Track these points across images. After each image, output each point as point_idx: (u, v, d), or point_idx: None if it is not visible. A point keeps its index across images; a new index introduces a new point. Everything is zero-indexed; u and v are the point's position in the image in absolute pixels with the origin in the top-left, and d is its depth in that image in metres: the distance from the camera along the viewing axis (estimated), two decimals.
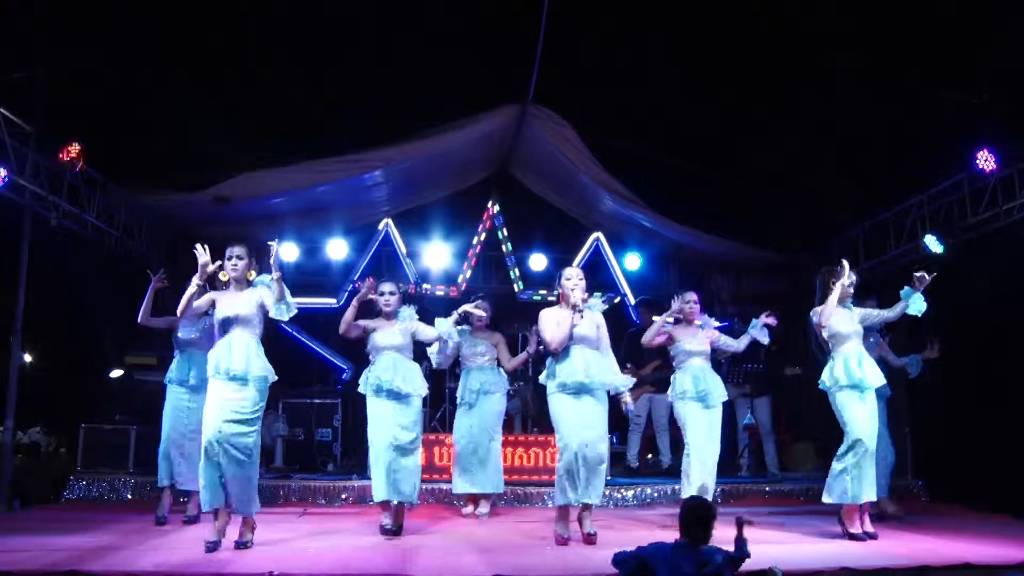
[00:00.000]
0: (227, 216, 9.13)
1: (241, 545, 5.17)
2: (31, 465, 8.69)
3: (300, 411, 9.10)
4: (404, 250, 10.59)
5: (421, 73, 8.10)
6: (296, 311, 5.51)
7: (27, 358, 9.46)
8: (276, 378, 5.49)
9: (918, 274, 5.89)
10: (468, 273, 10.65)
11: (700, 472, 6.33)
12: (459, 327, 6.95)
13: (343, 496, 7.81)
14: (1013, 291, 7.33)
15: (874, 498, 5.86)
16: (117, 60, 7.30)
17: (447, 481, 7.70)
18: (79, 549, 5.03)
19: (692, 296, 6.69)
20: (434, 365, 7.07)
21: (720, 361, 9.34)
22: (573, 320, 5.62)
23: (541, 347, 6.18)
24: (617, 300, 6.00)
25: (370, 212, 10.46)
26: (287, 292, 5.39)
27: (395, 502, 5.86)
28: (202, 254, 5.31)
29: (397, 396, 5.91)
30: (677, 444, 9.61)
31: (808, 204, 9.23)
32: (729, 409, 9.69)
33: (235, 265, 5.46)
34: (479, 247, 10.71)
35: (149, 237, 9.28)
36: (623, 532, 6.14)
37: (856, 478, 5.76)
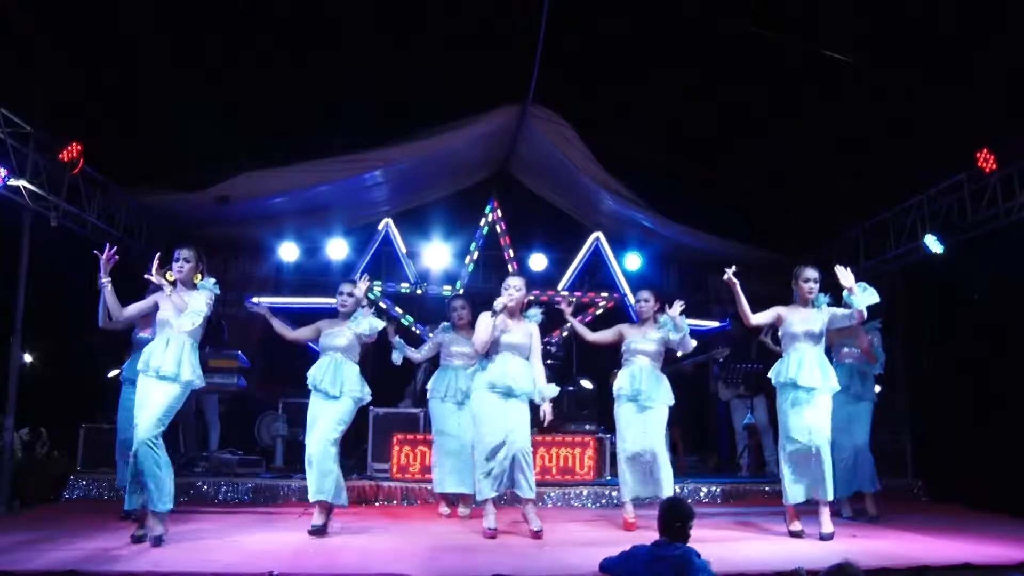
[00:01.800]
0: (227, 216, 9.14)
1: (157, 540, 5.21)
2: (30, 466, 8.68)
3: (300, 411, 9.02)
4: (404, 250, 10.59)
5: (421, 73, 8.10)
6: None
7: (27, 358, 9.45)
8: (203, 384, 5.59)
9: (839, 272, 5.84)
10: (468, 272, 10.66)
11: (632, 474, 6.35)
12: (442, 324, 7.13)
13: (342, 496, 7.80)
14: (1013, 291, 7.33)
15: (826, 498, 5.82)
16: (117, 60, 7.31)
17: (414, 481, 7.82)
18: (79, 549, 5.03)
19: (645, 294, 6.71)
20: (396, 362, 7.17)
21: (718, 361, 9.38)
22: (495, 324, 5.84)
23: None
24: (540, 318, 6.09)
25: (370, 212, 10.47)
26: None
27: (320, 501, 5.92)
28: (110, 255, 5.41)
29: (326, 395, 6.00)
30: (673, 446, 9.63)
31: (808, 204, 9.24)
32: (724, 410, 9.74)
33: (181, 267, 5.54)
34: (479, 247, 10.72)
35: (149, 237, 9.27)
36: (621, 531, 6.15)
37: (788, 478, 5.90)
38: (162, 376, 5.30)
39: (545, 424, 6.26)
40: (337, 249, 10.37)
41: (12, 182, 6.90)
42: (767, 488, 8.30)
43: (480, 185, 10.81)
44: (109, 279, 5.41)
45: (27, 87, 7.08)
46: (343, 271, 10.46)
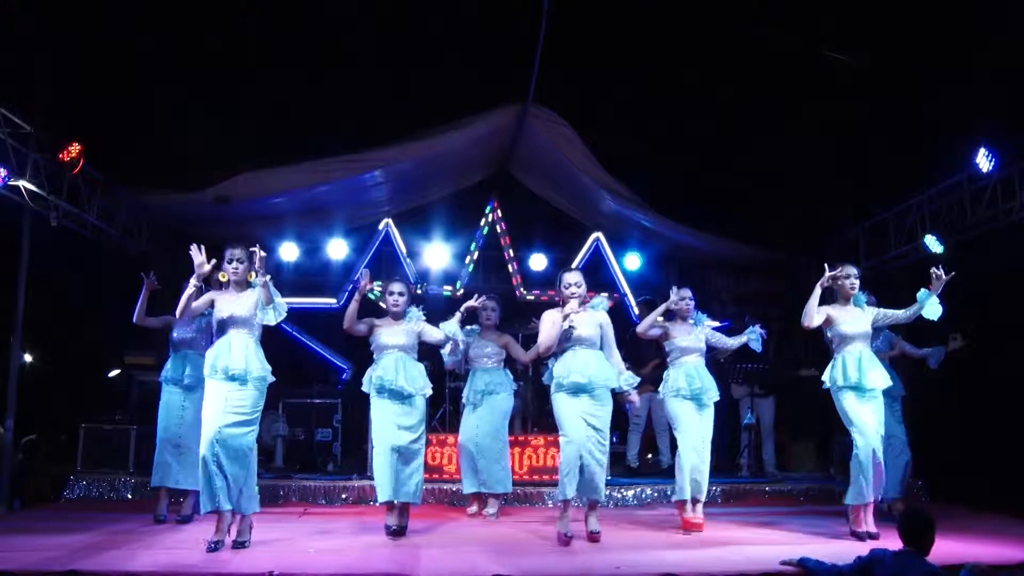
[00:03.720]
0: (227, 216, 9.13)
1: (239, 544, 5.17)
2: (31, 465, 8.68)
3: (300, 411, 9.11)
4: (404, 250, 10.58)
5: (421, 73, 8.11)
6: (285, 314, 5.47)
7: (27, 358, 9.46)
8: (274, 379, 5.48)
9: (935, 272, 5.83)
10: (468, 272, 10.66)
11: (691, 472, 6.30)
12: (468, 327, 6.95)
13: (343, 496, 7.81)
14: (1013, 291, 7.33)
15: (878, 498, 5.83)
16: (117, 60, 7.31)
17: (448, 481, 7.72)
18: (79, 548, 5.04)
19: (687, 293, 6.63)
20: (447, 367, 7.08)
21: (719, 360, 9.37)
22: (564, 325, 5.65)
23: None
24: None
25: (370, 212, 10.46)
26: (276, 295, 5.34)
27: (397, 502, 5.84)
28: (198, 255, 5.30)
29: (400, 396, 5.88)
30: (673, 446, 9.63)
31: (808, 204, 9.24)
32: (734, 409, 9.74)
33: (235, 269, 5.45)
34: (479, 247, 10.72)
35: (149, 237, 9.28)
36: (626, 531, 6.15)
37: (860, 478, 5.76)
38: (232, 376, 5.22)
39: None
40: (337, 249, 10.37)
41: (12, 182, 6.90)
42: (767, 488, 8.30)
43: (480, 185, 10.81)
44: (200, 282, 5.36)
45: (27, 87, 7.08)
46: (343, 271, 10.48)
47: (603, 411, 5.71)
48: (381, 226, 10.52)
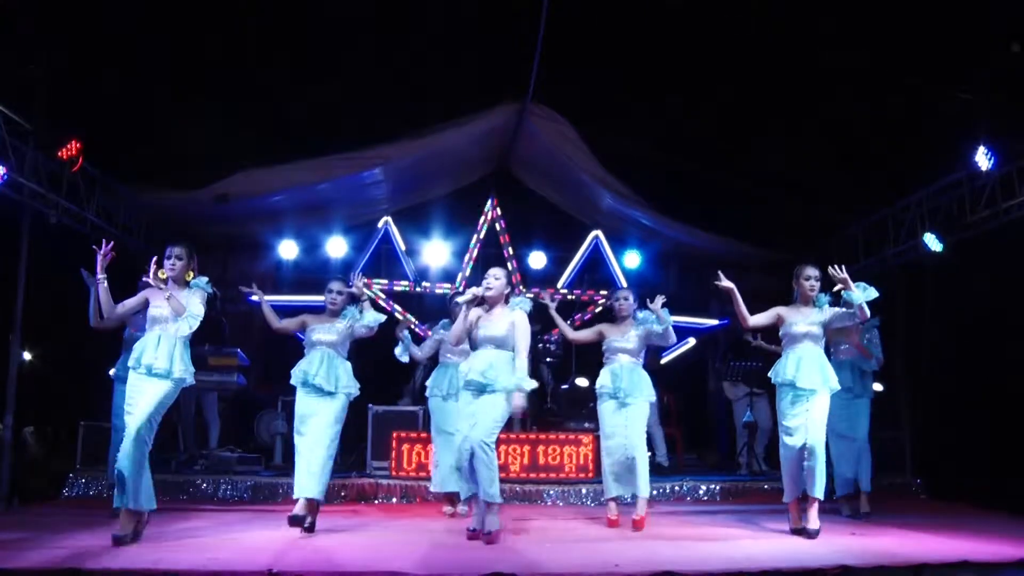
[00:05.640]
0: (227, 214, 9.14)
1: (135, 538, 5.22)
2: (30, 463, 8.69)
3: None
4: (403, 248, 10.59)
5: (421, 71, 8.10)
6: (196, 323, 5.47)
7: (26, 356, 9.46)
8: (194, 382, 5.51)
9: (832, 271, 5.79)
10: (468, 271, 10.66)
11: (612, 470, 6.36)
12: (441, 321, 7.01)
13: (342, 494, 7.83)
14: (1013, 289, 7.34)
15: (816, 496, 5.77)
16: (117, 58, 7.30)
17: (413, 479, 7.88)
18: (78, 547, 5.03)
19: (624, 292, 6.69)
20: (401, 358, 7.07)
21: (723, 356, 9.38)
22: (467, 317, 5.68)
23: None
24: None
25: (370, 210, 10.47)
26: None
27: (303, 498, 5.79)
28: (99, 253, 5.35)
29: (319, 392, 5.92)
30: (674, 442, 9.65)
31: (807, 202, 9.24)
32: (725, 407, 9.75)
33: (173, 265, 5.48)
34: (478, 245, 10.72)
35: (149, 235, 9.28)
36: (623, 528, 6.16)
37: (786, 475, 5.92)
38: (154, 373, 5.27)
39: (519, 417, 6.00)
40: (336, 247, 10.37)
41: (11, 180, 6.89)
42: (766, 486, 8.31)
43: (479, 183, 10.80)
44: (104, 276, 5.37)
45: (27, 85, 7.07)
46: (342, 269, 10.46)
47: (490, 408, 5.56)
48: (380, 224, 10.52)
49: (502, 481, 7.31)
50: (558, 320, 6.87)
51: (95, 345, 9.11)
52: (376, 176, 9.37)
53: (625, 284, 10.74)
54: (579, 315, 10.69)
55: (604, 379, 6.48)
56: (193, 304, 5.43)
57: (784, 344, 6.06)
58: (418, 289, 10.51)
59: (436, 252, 10.51)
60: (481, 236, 10.71)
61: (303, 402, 5.96)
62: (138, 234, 9.08)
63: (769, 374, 6.09)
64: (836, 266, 5.79)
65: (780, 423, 5.96)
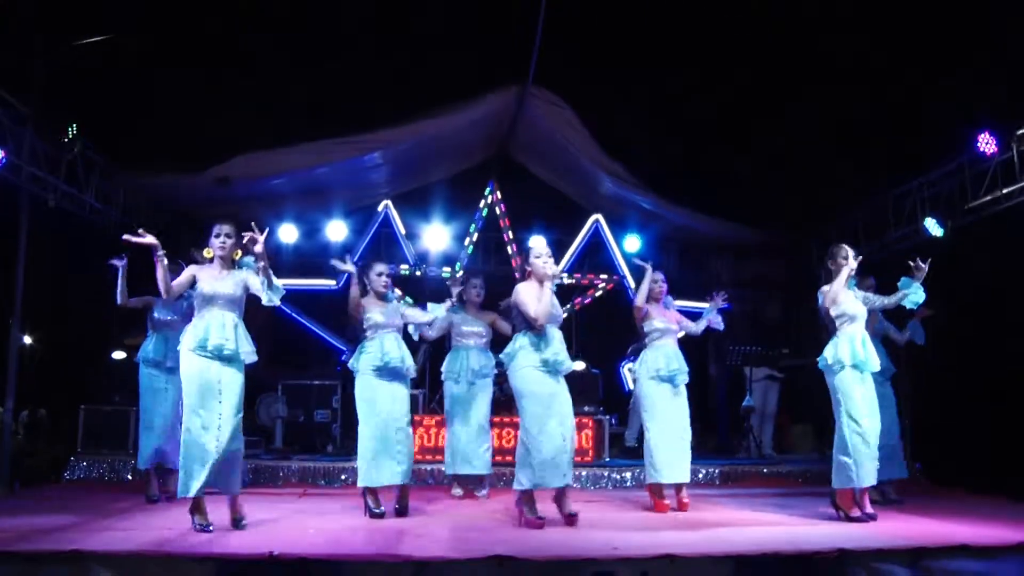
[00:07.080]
0: (227, 197, 9.10)
1: (239, 524, 5.20)
2: (31, 447, 8.70)
3: (299, 392, 9.11)
4: (403, 231, 10.57)
5: (421, 54, 8.06)
6: (284, 293, 5.38)
7: (27, 339, 9.46)
8: (256, 359, 5.34)
9: (914, 263, 5.83)
10: (467, 253, 10.66)
11: (667, 456, 6.28)
12: (452, 304, 6.89)
13: (342, 477, 7.83)
14: (1013, 275, 7.32)
15: (874, 481, 5.82)
16: (115, 41, 7.25)
17: (429, 463, 7.83)
18: (80, 529, 5.05)
19: (659, 276, 6.66)
20: (413, 336, 6.95)
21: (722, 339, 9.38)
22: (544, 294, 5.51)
23: None
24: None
25: (370, 193, 10.44)
26: (273, 277, 5.25)
27: (398, 483, 5.83)
28: (143, 238, 5.12)
29: (395, 374, 5.89)
30: None
31: (808, 186, 9.22)
32: (724, 390, 9.75)
33: (223, 243, 5.30)
34: (478, 229, 10.71)
35: (148, 218, 9.22)
36: (625, 512, 6.18)
37: (857, 461, 5.70)
38: (227, 354, 5.12)
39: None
40: (336, 231, 10.35)
41: (10, 163, 6.86)
42: (765, 470, 8.34)
43: (480, 167, 10.78)
44: (163, 252, 5.12)
45: (25, 68, 7.03)
46: (342, 252, 10.42)
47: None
48: (380, 208, 10.52)
49: (499, 465, 7.39)
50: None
51: (95, 327, 9.14)
52: (376, 160, 9.33)
53: (626, 268, 10.75)
54: (579, 299, 10.69)
55: (658, 362, 6.39)
56: (253, 279, 5.27)
57: (839, 324, 5.91)
58: (418, 273, 10.51)
59: (436, 236, 10.50)
60: (481, 220, 10.71)
61: (377, 386, 5.91)
62: (137, 217, 9.03)
63: (824, 355, 5.86)
64: (918, 259, 5.78)
65: (850, 407, 5.74)
